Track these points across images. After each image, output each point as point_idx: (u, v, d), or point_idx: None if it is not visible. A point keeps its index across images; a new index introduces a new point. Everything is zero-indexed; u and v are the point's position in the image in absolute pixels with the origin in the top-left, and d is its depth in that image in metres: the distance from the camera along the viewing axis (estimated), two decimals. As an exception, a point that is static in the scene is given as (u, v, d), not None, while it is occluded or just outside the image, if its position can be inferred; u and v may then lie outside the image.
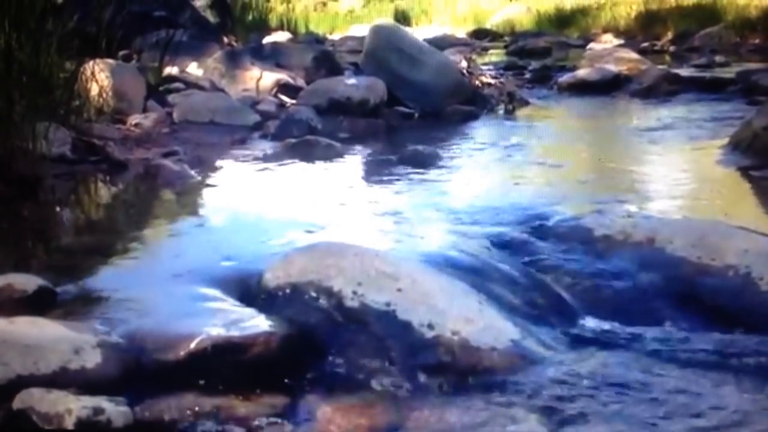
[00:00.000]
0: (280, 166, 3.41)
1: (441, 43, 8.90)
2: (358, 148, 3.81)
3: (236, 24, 9.39)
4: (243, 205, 2.71)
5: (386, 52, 5.00)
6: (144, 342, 1.45)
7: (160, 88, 4.70)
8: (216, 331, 1.47)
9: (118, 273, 1.93)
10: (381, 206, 2.68)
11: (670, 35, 10.97)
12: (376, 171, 3.42)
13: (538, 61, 7.98)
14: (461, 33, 14.12)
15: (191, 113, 4.20)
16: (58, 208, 2.76)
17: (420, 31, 12.59)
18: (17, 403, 1.28)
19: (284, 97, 4.81)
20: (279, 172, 3.34)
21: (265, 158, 3.53)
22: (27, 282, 1.68)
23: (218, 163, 3.41)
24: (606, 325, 1.72)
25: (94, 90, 3.82)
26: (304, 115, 4.09)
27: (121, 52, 5.41)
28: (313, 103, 4.45)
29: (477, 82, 5.40)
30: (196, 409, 1.34)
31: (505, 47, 11.24)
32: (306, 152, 3.57)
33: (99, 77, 3.87)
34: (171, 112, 4.24)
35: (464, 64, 5.52)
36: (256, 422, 1.33)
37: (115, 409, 1.28)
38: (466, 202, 2.64)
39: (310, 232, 2.22)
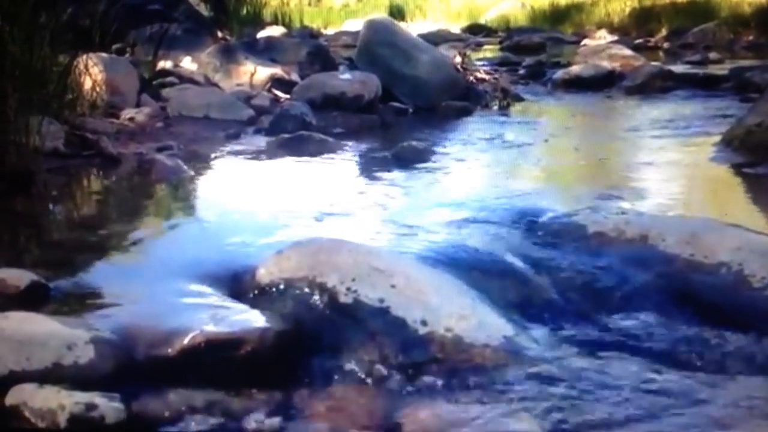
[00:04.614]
0: (274, 161, 3.40)
1: (435, 39, 8.90)
2: (352, 143, 3.81)
3: (230, 18, 9.36)
4: (236, 200, 2.71)
5: (380, 47, 4.99)
6: (137, 338, 1.45)
7: (154, 82, 4.69)
8: (209, 326, 1.47)
9: (111, 268, 1.92)
10: (375, 202, 2.67)
11: (664, 32, 10.97)
12: (370, 167, 3.42)
13: (532, 57, 7.96)
14: (456, 28, 14.09)
15: (185, 108, 4.19)
16: (51, 203, 2.75)
17: (414, 27, 12.57)
18: (10, 398, 1.28)
19: (278, 92, 4.80)
20: (273, 167, 3.34)
21: (259, 153, 3.53)
22: (20, 277, 1.68)
23: (212, 158, 3.41)
24: (599, 322, 1.72)
25: (88, 84, 3.80)
26: (298, 111, 4.08)
27: (115, 46, 5.39)
28: (307, 98, 4.44)
29: (471, 78, 5.40)
30: (190, 404, 1.34)
31: (500, 43, 11.21)
32: (300, 147, 3.56)
33: (92, 71, 3.86)
34: (165, 106, 4.22)
35: (458, 59, 5.52)
36: (250, 418, 1.33)
37: (108, 405, 1.28)
38: (460, 199, 2.64)
39: (303, 227, 2.22)
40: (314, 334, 1.55)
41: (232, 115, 4.20)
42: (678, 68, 6.55)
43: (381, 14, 10.38)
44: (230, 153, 3.54)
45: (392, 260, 1.73)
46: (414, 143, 3.54)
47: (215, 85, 4.88)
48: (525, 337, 1.60)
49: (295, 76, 5.17)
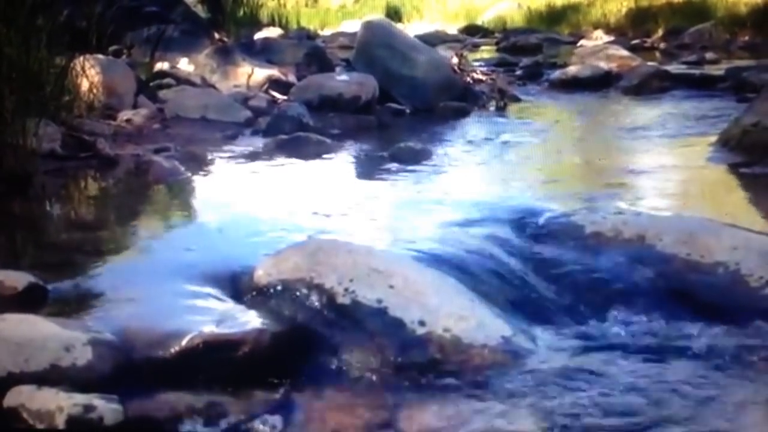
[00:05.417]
0: (272, 162, 3.40)
1: (432, 40, 8.90)
2: (350, 144, 3.81)
3: (227, 19, 9.35)
4: (234, 201, 2.71)
5: (377, 48, 5.00)
6: (135, 339, 1.45)
7: (151, 84, 4.68)
8: (207, 328, 1.47)
9: (109, 270, 1.92)
10: (372, 203, 2.68)
11: (660, 32, 10.98)
12: (367, 167, 3.42)
13: (529, 58, 7.96)
14: (453, 29, 14.10)
15: (182, 109, 4.19)
16: (48, 205, 2.75)
17: (411, 28, 12.59)
18: (8, 400, 1.28)
19: (275, 94, 4.80)
20: (270, 168, 3.34)
21: (257, 155, 3.53)
22: (18, 279, 1.68)
23: (209, 159, 3.41)
24: (597, 322, 1.72)
25: (85, 86, 3.80)
26: (296, 112, 4.08)
27: (112, 48, 5.38)
28: (304, 99, 4.44)
29: (468, 79, 5.41)
30: (188, 406, 1.34)
31: (497, 44, 11.23)
32: (297, 149, 3.56)
33: (89, 73, 3.85)
34: (162, 107, 4.22)
35: (456, 60, 5.53)
36: (248, 419, 1.33)
37: (106, 407, 1.28)
38: (457, 199, 2.64)
39: (301, 229, 2.22)
40: (312, 335, 1.55)
41: (230, 117, 4.20)
42: (674, 68, 6.56)
43: (378, 15, 10.39)
44: (227, 154, 3.54)
45: (390, 261, 1.73)
46: (411, 144, 3.54)
47: (212, 86, 4.88)
48: (523, 338, 1.60)
49: (292, 78, 5.18)
